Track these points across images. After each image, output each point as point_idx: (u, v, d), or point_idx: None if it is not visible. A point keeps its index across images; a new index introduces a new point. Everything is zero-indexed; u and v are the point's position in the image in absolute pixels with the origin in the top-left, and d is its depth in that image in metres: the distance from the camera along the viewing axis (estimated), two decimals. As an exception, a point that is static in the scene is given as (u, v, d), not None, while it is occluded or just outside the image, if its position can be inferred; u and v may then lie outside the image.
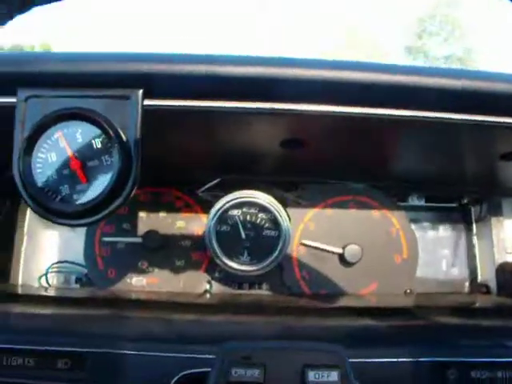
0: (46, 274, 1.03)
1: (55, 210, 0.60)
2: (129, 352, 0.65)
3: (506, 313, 0.90)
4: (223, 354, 0.55)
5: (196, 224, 1.01)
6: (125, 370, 0.65)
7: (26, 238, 1.03)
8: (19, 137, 0.60)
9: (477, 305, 0.99)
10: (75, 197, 0.60)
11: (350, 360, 0.55)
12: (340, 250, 0.98)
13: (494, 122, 0.65)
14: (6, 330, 0.68)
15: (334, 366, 0.53)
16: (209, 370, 0.55)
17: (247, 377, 0.52)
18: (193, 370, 0.63)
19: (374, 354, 0.66)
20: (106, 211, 0.60)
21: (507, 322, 0.81)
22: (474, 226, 1.08)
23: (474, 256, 1.07)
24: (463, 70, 0.69)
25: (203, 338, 0.68)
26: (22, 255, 1.02)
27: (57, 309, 0.82)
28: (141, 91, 0.61)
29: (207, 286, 0.99)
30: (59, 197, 0.60)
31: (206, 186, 1.00)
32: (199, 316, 0.77)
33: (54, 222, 0.61)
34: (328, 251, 0.99)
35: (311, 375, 0.52)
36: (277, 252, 0.94)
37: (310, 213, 1.00)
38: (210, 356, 0.62)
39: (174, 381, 0.63)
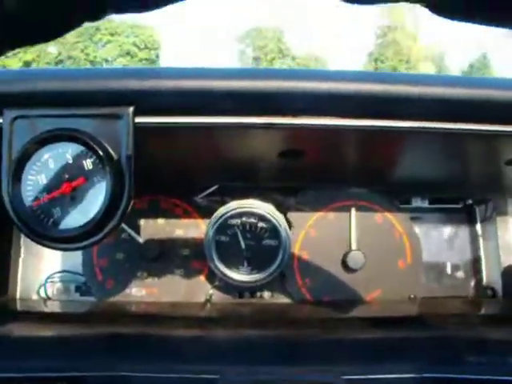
0: (44, 285, 1.01)
1: (47, 236, 0.58)
2: (128, 374, 0.63)
3: None
4: None
5: (195, 231, 0.98)
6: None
7: (22, 249, 1.00)
8: (7, 159, 0.58)
9: (483, 311, 0.97)
10: (68, 220, 0.58)
11: (349, 377, 0.54)
12: (342, 257, 0.96)
13: (498, 131, 0.62)
14: (3, 356, 0.66)
15: None
16: None
17: None
18: None
19: (379, 369, 0.65)
20: (101, 234, 0.58)
21: None
22: (479, 226, 1.05)
23: (480, 258, 1.04)
24: (465, 78, 0.65)
25: (204, 356, 0.67)
26: (20, 267, 1.00)
27: (55, 329, 0.79)
28: (131, 109, 0.58)
29: (208, 296, 0.97)
30: (51, 220, 0.58)
31: (205, 193, 0.97)
32: (200, 331, 0.75)
33: (46, 247, 0.59)
34: (330, 258, 0.97)
35: None
36: (277, 262, 0.91)
37: (312, 218, 0.98)
38: (211, 376, 0.61)
39: None
